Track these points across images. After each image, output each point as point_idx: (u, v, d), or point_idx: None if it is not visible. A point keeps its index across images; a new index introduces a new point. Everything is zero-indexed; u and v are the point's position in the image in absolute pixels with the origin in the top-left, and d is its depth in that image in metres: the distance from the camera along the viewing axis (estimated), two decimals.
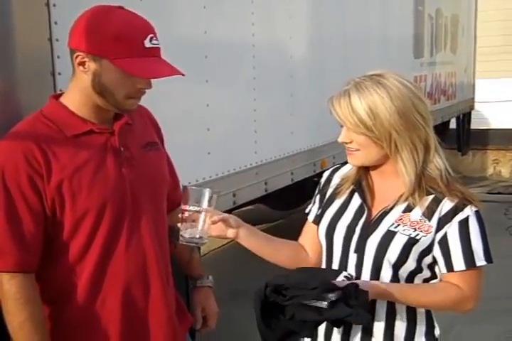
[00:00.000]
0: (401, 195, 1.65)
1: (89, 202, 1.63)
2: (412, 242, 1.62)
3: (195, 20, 2.76)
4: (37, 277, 1.65)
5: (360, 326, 1.65)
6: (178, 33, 2.63)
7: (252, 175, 3.19)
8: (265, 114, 3.36)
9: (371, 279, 1.64)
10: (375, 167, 1.69)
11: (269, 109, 3.43)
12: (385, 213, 1.66)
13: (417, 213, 1.63)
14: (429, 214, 1.63)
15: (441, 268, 1.65)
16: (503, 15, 10.20)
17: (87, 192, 1.63)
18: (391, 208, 1.66)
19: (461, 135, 8.76)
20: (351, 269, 1.67)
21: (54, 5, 1.97)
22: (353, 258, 1.67)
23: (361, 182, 1.72)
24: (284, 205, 5.92)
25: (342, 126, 1.65)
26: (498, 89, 10.06)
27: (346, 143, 1.65)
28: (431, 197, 1.64)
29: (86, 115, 1.68)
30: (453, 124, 8.44)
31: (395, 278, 1.64)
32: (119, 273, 1.69)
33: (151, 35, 1.61)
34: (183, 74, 1.65)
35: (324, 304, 1.45)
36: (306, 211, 1.85)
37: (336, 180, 1.79)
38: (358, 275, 1.66)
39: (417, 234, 1.62)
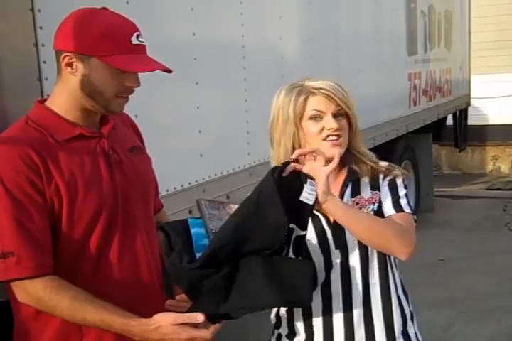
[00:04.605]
0: (343, 183, 1.72)
1: (85, 206, 1.61)
2: (380, 216, 1.68)
3: (183, 22, 2.75)
4: None
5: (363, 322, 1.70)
6: (166, 35, 2.63)
7: (245, 177, 3.18)
8: (257, 114, 3.34)
9: (363, 267, 1.69)
10: None
11: (261, 110, 3.38)
12: None
13: (367, 191, 1.72)
14: (376, 185, 1.73)
15: None
16: (497, 11, 10.19)
17: (82, 197, 1.61)
18: (341, 197, 1.70)
19: (458, 131, 8.75)
20: (340, 266, 1.68)
21: (39, 10, 1.96)
22: (336, 255, 1.69)
23: None
24: None
25: (319, 117, 1.68)
26: (495, 85, 10.05)
27: (335, 130, 1.66)
28: (368, 175, 1.73)
29: (74, 118, 1.66)
30: (450, 121, 8.43)
31: (384, 258, 1.71)
32: (113, 277, 1.67)
33: (137, 33, 1.62)
34: (170, 71, 1.66)
35: None
36: None
37: None
38: (348, 269, 1.69)
39: (378, 206, 1.70)
